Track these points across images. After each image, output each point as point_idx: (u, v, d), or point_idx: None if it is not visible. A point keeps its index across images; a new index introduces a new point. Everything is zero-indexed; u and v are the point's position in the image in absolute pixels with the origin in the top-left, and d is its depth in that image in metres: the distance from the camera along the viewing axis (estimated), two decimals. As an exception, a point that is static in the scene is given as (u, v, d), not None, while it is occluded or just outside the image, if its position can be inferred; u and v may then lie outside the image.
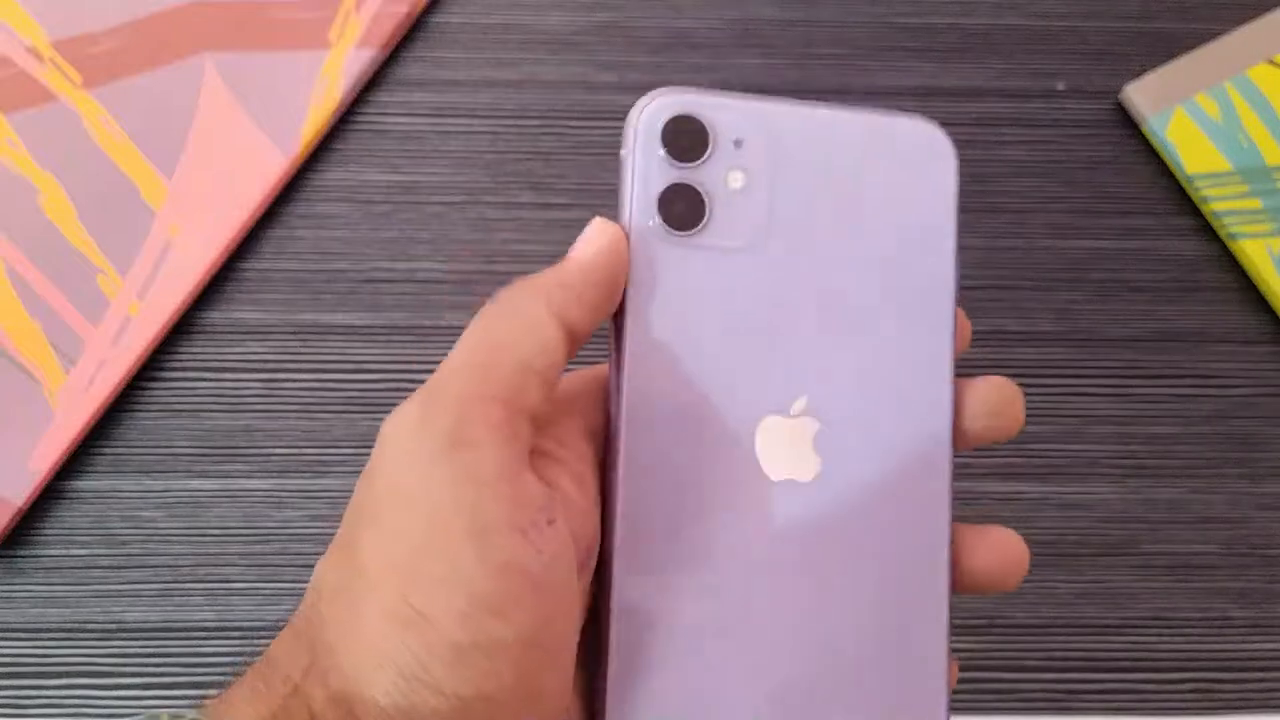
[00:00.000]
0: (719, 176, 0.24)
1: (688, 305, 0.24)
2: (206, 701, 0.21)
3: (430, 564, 0.20)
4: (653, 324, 0.23)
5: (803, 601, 0.24)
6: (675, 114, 0.24)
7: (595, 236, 0.23)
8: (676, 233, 0.24)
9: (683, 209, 0.24)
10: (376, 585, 0.20)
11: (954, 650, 0.39)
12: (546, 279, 0.23)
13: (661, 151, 0.24)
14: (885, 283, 0.25)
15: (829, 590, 0.24)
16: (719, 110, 0.24)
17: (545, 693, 0.21)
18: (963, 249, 0.44)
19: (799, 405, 0.24)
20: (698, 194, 0.24)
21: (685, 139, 0.24)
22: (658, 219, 0.24)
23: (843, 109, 0.25)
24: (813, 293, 0.24)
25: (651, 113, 0.24)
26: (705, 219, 0.24)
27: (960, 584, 0.25)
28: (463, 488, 0.20)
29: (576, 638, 0.22)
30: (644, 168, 0.24)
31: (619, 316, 0.24)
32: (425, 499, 0.20)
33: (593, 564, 0.23)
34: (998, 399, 0.25)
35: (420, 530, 0.20)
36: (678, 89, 0.24)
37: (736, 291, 0.24)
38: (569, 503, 0.22)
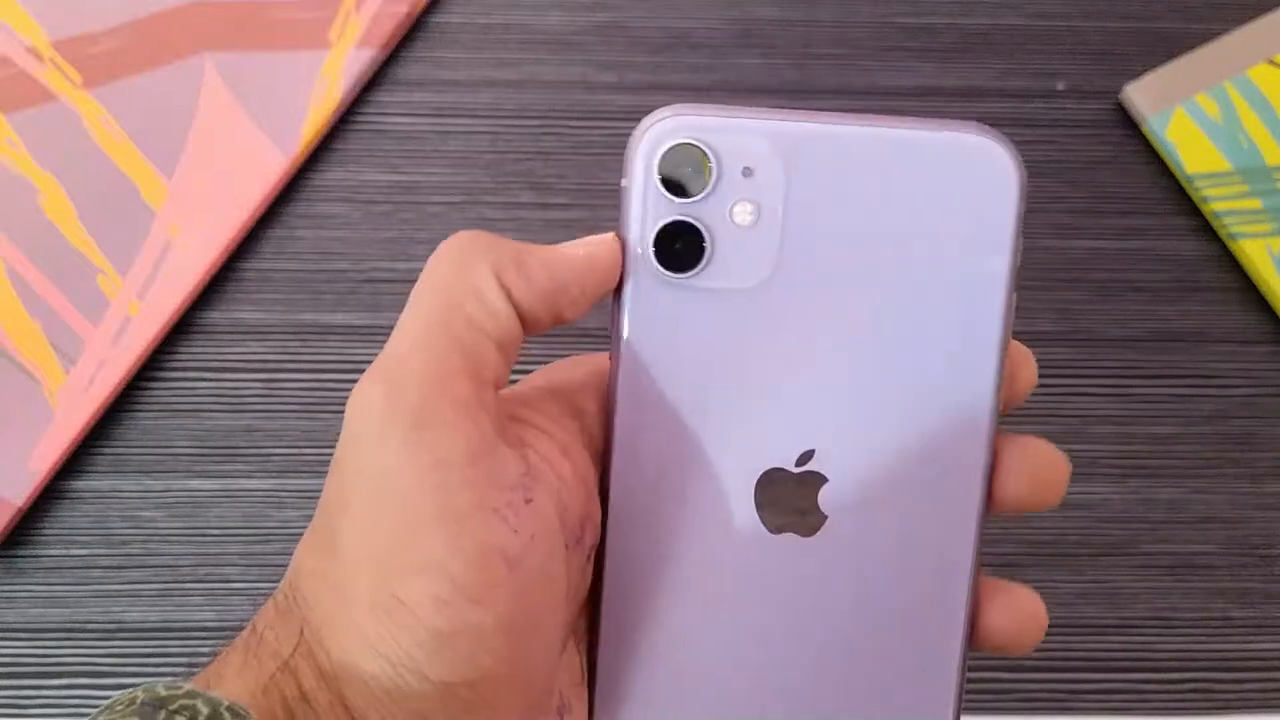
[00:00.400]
0: (723, 212, 0.22)
1: (684, 350, 0.22)
2: (198, 673, 0.21)
3: (406, 552, 0.19)
4: (647, 369, 0.22)
5: (797, 663, 0.23)
6: (675, 143, 0.22)
7: (590, 240, 0.22)
8: (673, 275, 0.22)
9: (681, 249, 0.22)
10: (357, 574, 0.20)
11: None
12: (504, 248, 0.22)
13: (659, 186, 0.22)
14: (918, 326, 0.22)
15: (826, 652, 0.23)
16: (726, 134, 0.22)
17: (531, 674, 0.21)
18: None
19: (804, 458, 0.22)
20: (697, 233, 0.22)
21: (686, 170, 0.22)
22: (653, 260, 0.22)
23: (878, 123, 0.22)
24: (829, 336, 0.22)
25: (650, 141, 0.22)
26: (705, 260, 0.22)
27: (973, 640, 0.24)
28: (431, 472, 0.19)
29: (564, 615, 0.22)
30: (640, 202, 0.22)
31: (614, 359, 0.22)
32: (396, 485, 0.20)
33: (589, 538, 0.23)
34: (1040, 464, 0.23)
35: (394, 518, 0.20)
36: (682, 108, 0.22)
37: (740, 335, 0.22)
38: (554, 474, 0.22)
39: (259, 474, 0.41)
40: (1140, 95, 0.45)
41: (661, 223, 0.22)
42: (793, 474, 0.22)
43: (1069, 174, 0.45)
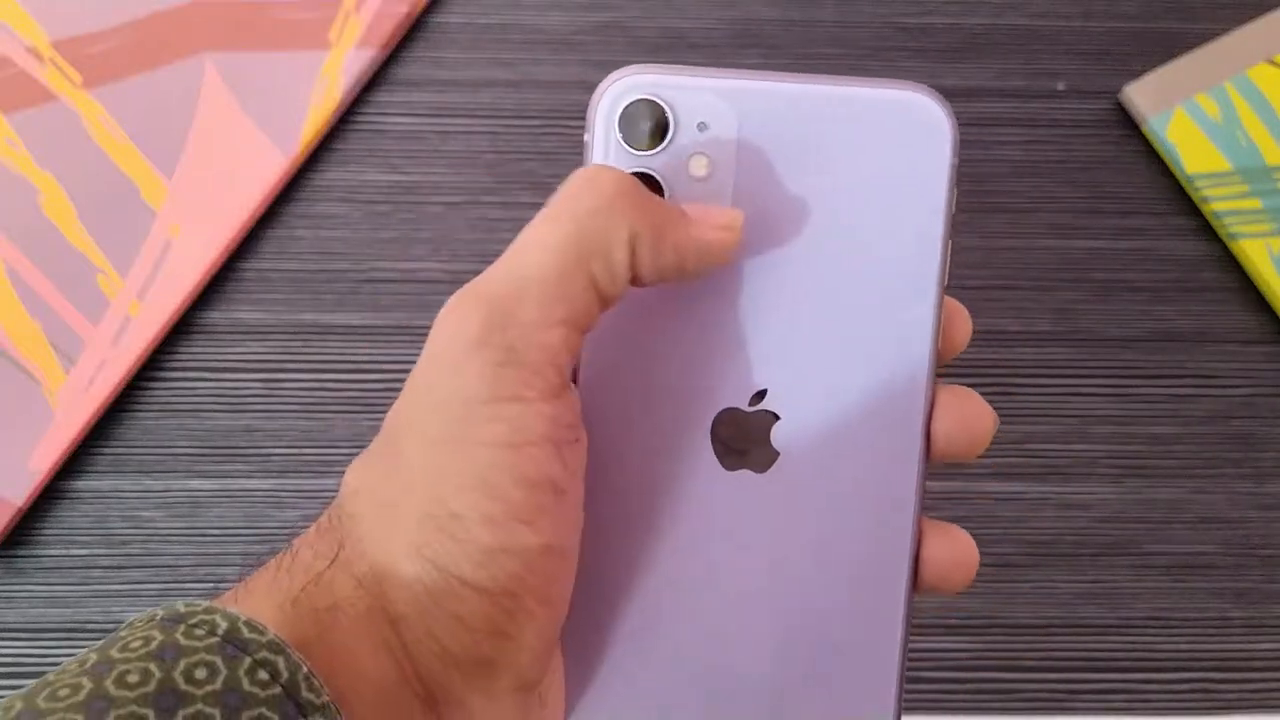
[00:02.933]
0: (680, 164, 0.23)
1: (644, 297, 0.23)
2: (225, 593, 0.21)
3: (465, 472, 0.20)
4: (609, 315, 0.22)
5: (751, 595, 0.23)
6: (634, 98, 0.23)
7: (723, 222, 0.22)
8: None
9: None
10: (414, 486, 0.21)
11: (954, 650, 0.39)
12: (648, 215, 0.21)
13: (619, 138, 0.23)
14: (861, 274, 0.23)
15: (780, 583, 0.23)
16: (682, 91, 0.23)
17: (558, 596, 0.22)
18: (963, 249, 0.44)
19: (757, 398, 0.23)
20: (657, 184, 0.23)
21: (645, 124, 0.23)
22: None
23: (823, 81, 0.23)
24: (779, 283, 0.23)
25: (611, 97, 0.23)
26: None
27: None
28: (508, 405, 0.20)
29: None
30: (602, 155, 0.23)
31: None
32: (466, 410, 0.21)
33: None
34: (969, 412, 0.24)
35: (456, 437, 0.21)
36: (640, 68, 0.23)
37: (697, 282, 0.23)
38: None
39: (259, 474, 0.41)
40: (1140, 95, 0.45)
41: (630, 166, 0.23)
42: (747, 413, 0.23)
43: (1069, 174, 0.45)
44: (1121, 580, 0.40)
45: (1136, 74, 0.46)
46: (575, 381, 0.24)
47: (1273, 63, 0.45)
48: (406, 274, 0.43)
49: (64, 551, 0.40)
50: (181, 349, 0.42)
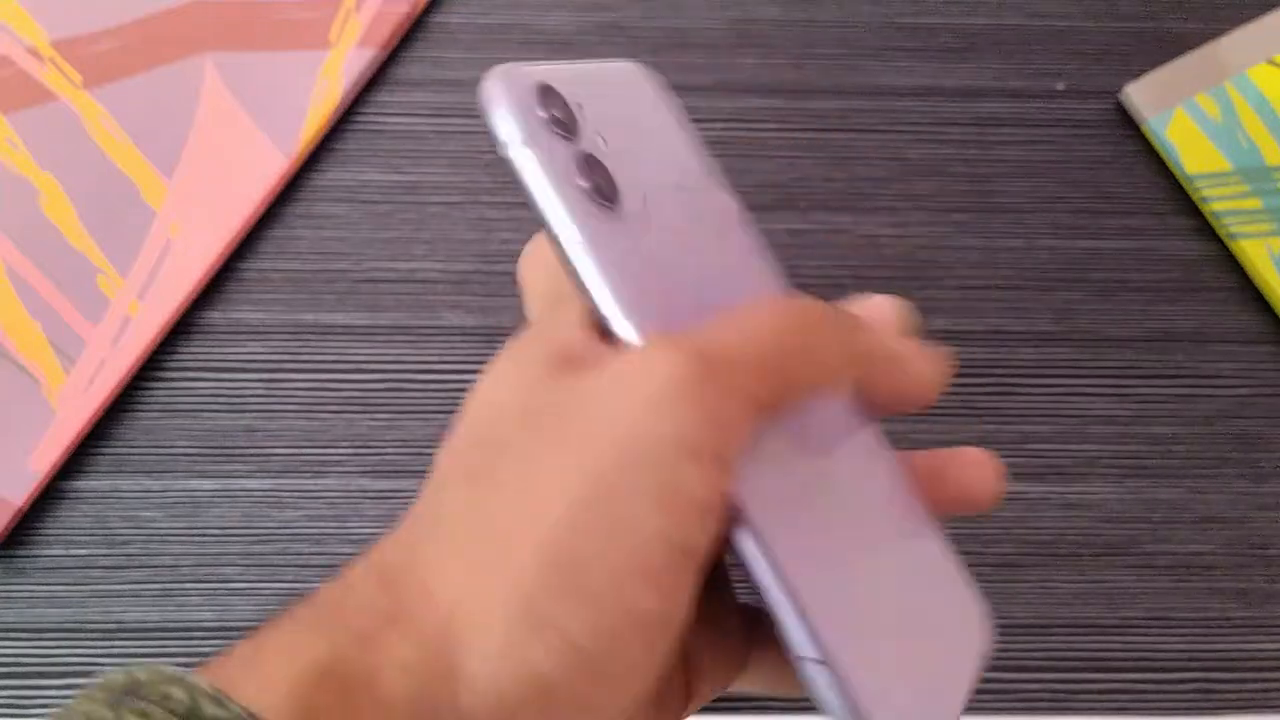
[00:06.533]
0: (594, 141, 0.21)
1: (650, 267, 0.21)
2: (236, 644, 0.17)
3: (614, 510, 0.17)
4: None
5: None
6: (539, 85, 0.21)
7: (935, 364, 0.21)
8: (611, 206, 0.21)
9: (600, 180, 0.21)
10: (547, 511, 0.17)
11: (954, 650, 0.39)
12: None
13: (552, 129, 0.21)
14: (691, 205, 0.23)
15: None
16: (551, 76, 0.21)
17: (649, 668, 0.18)
18: (963, 249, 0.44)
19: None
20: (599, 163, 0.21)
21: (558, 110, 0.21)
22: (595, 201, 0.21)
23: (585, 61, 0.23)
24: (672, 231, 0.22)
25: (519, 94, 0.21)
26: (616, 185, 0.21)
27: (940, 505, 0.23)
28: (686, 461, 0.17)
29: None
30: (548, 153, 0.21)
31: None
32: (644, 449, 0.17)
33: None
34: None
35: (621, 474, 0.17)
36: (509, 67, 0.21)
37: (666, 247, 0.22)
38: None
39: (259, 474, 0.41)
40: (1140, 95, 0.45)
41: (576, 157, 0.21)
42: None
43: (1069, 174, 0.45)
44: (1121, 580, 0.40)
45: (1136, 74, 0.46)
46: None
47: (1273, 63, 0.45)
48: (406, 274, 0.43)
49: (64, 551, 0.40)
50: (181, 349, 0.42)
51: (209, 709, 0.15)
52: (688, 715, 0.23)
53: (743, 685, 0.25)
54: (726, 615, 0.24)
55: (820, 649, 0.19)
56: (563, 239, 0.20)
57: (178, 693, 0.15)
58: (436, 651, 0.17)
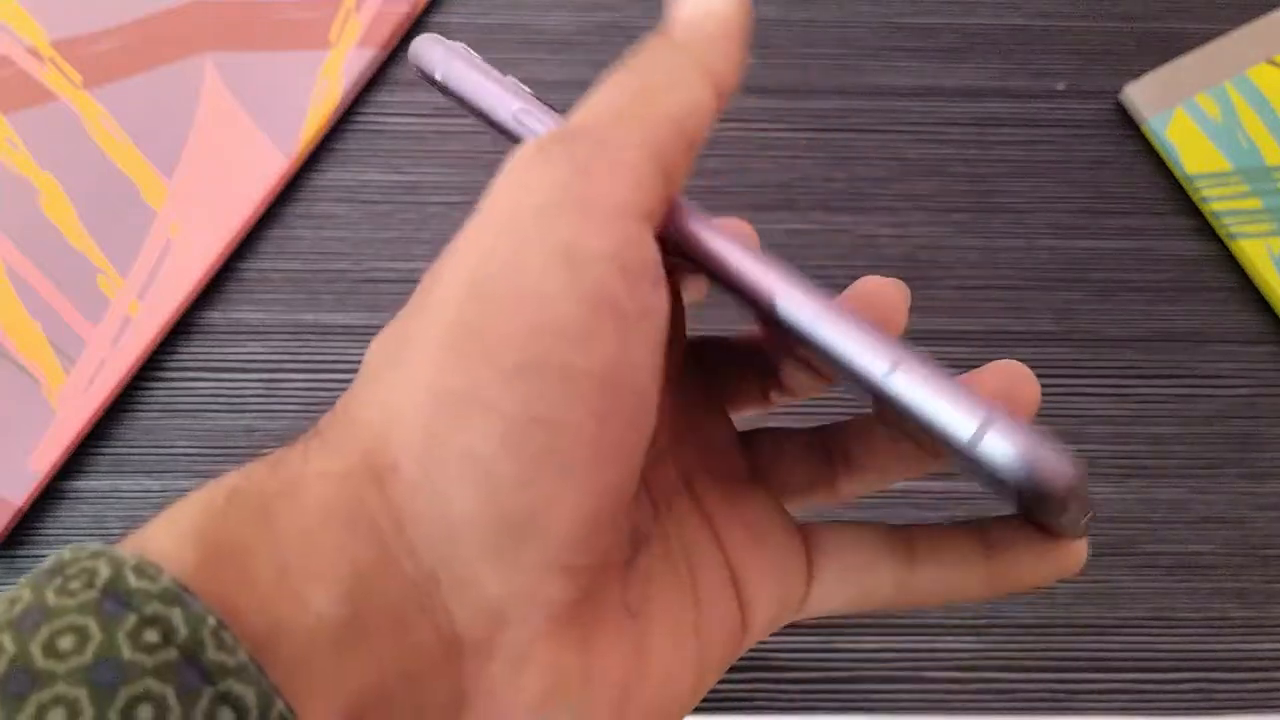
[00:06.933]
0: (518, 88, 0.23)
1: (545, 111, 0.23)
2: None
3: (508, 280, 0.17)
4: None
5: None
6: (458, 44, 0.22)
7: None
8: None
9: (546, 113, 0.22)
10: (438, 313, 0.17)
11: (954, 650, 0.39)
12: (685, 33, 0.20)
13: (491, 69, 0.22)
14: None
15: None
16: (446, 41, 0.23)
17: (610, 451, 0.17)
18: (963, 249, 0.44)
19: None
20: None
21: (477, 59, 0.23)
22: (548, 113, 0.21)
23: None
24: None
25: (444, 49, 0.22)
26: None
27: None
28: (570, 213, 0.17)
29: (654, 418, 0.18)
30: (498, 83, 0.21)
31: None
32: (522, 218, 0.17)
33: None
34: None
35: (507, 246, 0.17)
36: (420, 40, 0.23)
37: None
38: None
39: (259, 474, 0.40)
40: (1140, 95, 0.45)
41: (521, 98, 0.21)
42: None
43: (1069, 174, 0.45)
44: (1122, 580, 0.40)
45: (1136, 74, 0.46)
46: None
47: (1273, 63, 0.45)
48: (406, 274, 0.43)
49: (64, 551, 0.40)
50: (181, 349, 0.42)
51: (133, 580, 0.15)
52: (745, 647, 0.22)
53: (811, 612, 0.23)
54: (773, 531, 0.23)
55: (986, 411, 0.17)
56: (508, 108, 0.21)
57: (102, 567, 0.15)
58: (360, 461, 0.17)
